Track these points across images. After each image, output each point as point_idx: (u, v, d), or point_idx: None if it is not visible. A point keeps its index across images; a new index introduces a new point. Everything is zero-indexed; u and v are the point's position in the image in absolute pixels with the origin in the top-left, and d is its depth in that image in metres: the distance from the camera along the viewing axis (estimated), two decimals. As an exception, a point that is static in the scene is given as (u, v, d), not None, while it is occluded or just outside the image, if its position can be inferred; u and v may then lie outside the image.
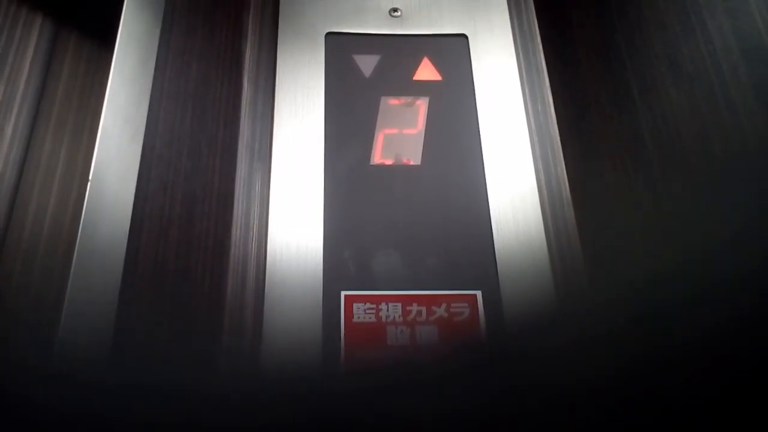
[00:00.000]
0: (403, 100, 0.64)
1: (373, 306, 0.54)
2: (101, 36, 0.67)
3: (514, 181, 0.61)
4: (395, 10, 0.69)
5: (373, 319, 0.54)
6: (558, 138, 0.64)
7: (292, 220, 0.58)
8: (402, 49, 0.67)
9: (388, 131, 0.62)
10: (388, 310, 0.54)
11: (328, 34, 0.67)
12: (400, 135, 0.62)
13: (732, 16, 0.46)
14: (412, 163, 0.61)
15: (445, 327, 0.54)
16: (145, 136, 0.54)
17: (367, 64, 0.65)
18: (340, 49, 0.66)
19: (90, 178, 0.49)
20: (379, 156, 0.61)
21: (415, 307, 0.54)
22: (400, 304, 0.54)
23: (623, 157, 0.57)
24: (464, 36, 0.68)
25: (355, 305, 0.54)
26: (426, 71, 0.66)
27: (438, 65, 0.66)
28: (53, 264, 0.57)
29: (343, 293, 0.55)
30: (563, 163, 0.63)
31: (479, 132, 0.63)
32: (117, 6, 0.55)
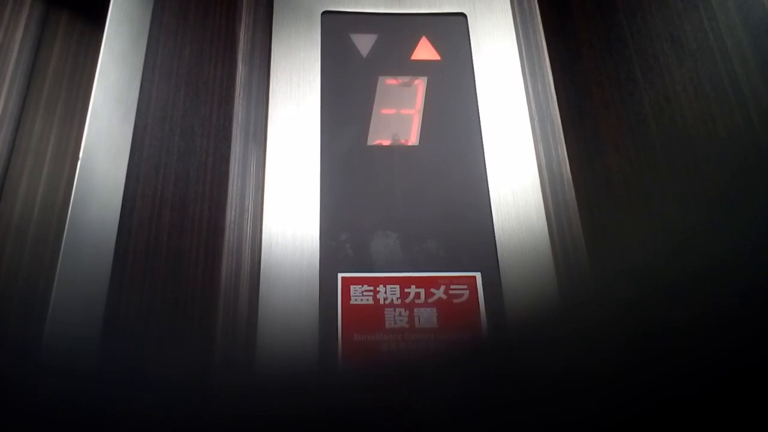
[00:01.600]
0: (401, 80, 0.63)
1: (371, 288, 0.53)
2: (92, 15, 0.65)
3: (515, 162, 0.60)
4: (392, -12, 0.68)
5: (371, 301, 0.53)
6: (559, 118, 0.63)
7: (288, 201, 0.57)
8: (400, 28, 0.65)
9: (385, 111, 0.61)
10: (386, 292, 0.53)
11: (325, 13, 0.66)
12: (398, 115, 0.61)
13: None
14: (409, 143, 0.60)
15: (445, 309, 0.53)
16: (136, 116, 0.53)
17: (364, 43, 0.64)
18: (337, 28, 0.65)
19: (80, 157, 0.48)
20: (376, 136, 0.60)
21: (413, 289, 0.53)
22: (398, 286, 0.53)
23: (625, 138, 0.56)
24: (463, 15, 0.67)
25: (352, 287, 0.53)
26: (424, 51, 0.65)
27: (436, 45, 0.65)
28: (43, 247, 0.56)
29: (340, 275, 0.54)
30: (564, 144, 0.62)
31: (478, 113, 0.62)
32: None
